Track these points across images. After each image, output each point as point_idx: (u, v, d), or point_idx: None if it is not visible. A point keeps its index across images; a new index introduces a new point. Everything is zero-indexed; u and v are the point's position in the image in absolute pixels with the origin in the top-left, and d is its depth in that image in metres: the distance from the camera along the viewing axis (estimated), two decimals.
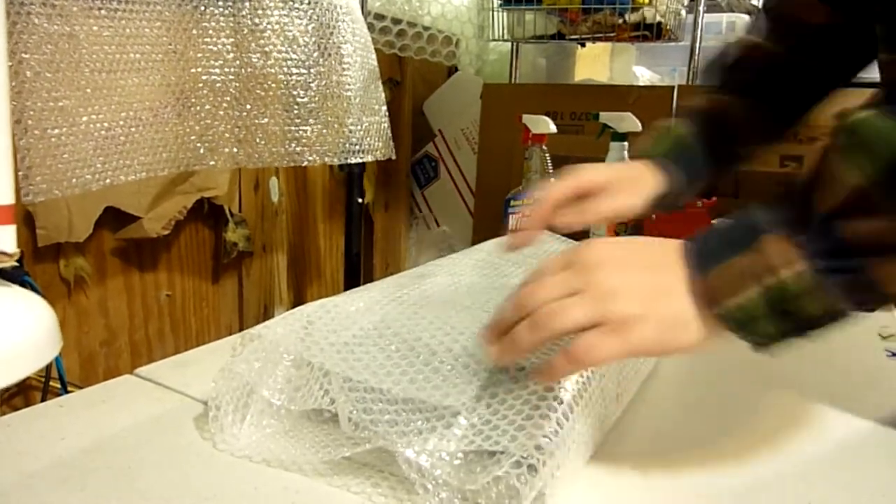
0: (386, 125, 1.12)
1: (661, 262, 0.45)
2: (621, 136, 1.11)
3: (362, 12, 1.12)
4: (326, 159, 1.05)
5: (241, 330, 0.98)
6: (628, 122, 1.13)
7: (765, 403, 0.65)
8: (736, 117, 0.69)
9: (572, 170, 0.62)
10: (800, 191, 0.41)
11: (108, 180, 0.81)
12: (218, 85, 0.93)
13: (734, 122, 0.69)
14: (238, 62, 0.94)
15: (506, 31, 1.57)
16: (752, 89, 0.69)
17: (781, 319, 0.40)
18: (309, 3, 0.97)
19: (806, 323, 0.41)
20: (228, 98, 0.94)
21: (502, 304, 0.48)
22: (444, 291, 0.64)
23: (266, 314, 1.35)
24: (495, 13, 1.56)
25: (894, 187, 0.36)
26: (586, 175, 0.62)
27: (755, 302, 0.40)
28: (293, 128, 1.01)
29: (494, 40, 1.65)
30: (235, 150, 0.97)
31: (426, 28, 1.55)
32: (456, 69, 1.80)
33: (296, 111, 1.00)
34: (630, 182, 0.64)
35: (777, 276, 0.39)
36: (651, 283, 0.44)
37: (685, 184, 0.67)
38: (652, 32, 1.64)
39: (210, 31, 0.90)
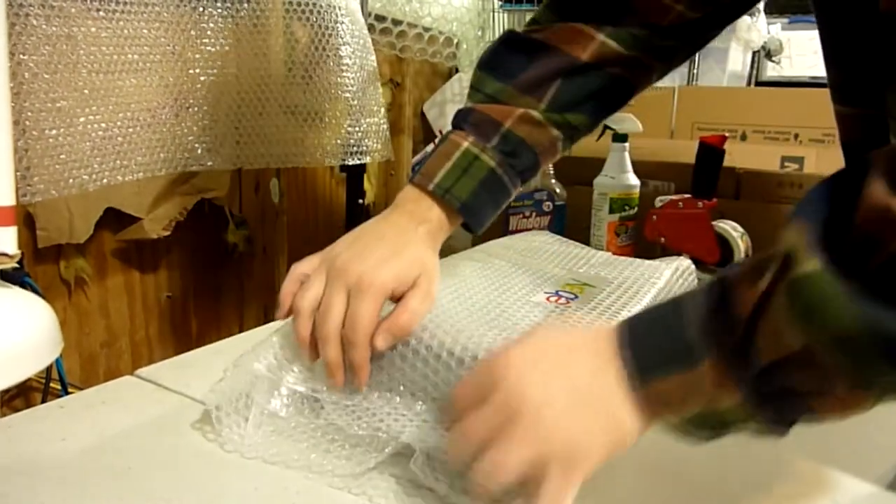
0: (385, 126, 1.12)
1: (589, 368, 0.43)
2: (622, 137, 1.11)
3: (363, 13, 1.12)
4: (325, 160, 1.05)
5: (241, 331, 0.98)
6: (628, 122, 1.13)
7: None
8: (546, 141, 0.63)
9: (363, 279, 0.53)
10: (744, 318, 0.38)
11: (105, 180, 0.81)
12: (217, 86, 0.93)
13: (542, 146, 0.63)
14: (237, 63, 0.94)
15: None
16: (572, 106, 0.63)
17: (719, 431, 0.42)
18: (308, 5, 0.97)
19: (744, 433, 0.42)
20: (227, 99, 0.94)
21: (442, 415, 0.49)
22: (444, 297, 0.64)
23: (266, 315, 1.35)
24: (496, 14, 1.56)
25: (837, 356, 0.35)
26: (380, 295, 0.53)
27: (693, 420, 0.41)
28: (291, 129, 1.01)
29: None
30: (234, 150, 0.97)
31: (427, 29, 1.55)
32: (456, 70, 1.80)
33: (294, 112, 1.00)
34: (417, 278, 0.56)
35: (715, 406, 0.40)
36: (583, 401, 0.42)
37: (487, 219, 0.63)
38: None
39: (208, 33, 0.90)
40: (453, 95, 1.76)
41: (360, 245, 0.57)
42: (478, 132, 0.62)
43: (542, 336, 0.46)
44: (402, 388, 0.54)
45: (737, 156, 1.19)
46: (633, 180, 1.12)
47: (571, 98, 0.63)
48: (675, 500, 0.50)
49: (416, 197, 0.61)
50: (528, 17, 0.67)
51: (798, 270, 0.36)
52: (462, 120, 0.63)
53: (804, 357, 0.36)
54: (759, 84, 2.69)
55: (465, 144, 0.61)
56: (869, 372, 0.36)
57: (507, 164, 0.62)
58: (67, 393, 0.84)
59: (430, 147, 1.72)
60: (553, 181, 1.16)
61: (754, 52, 2.56)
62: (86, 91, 0.77)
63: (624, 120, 1.13)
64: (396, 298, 0.54)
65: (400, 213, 0.60)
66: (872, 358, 0.34)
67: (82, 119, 0.76)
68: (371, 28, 1.21)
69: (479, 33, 1.67)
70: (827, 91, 0.58)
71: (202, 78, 0.90)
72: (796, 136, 1.59)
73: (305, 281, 0.56)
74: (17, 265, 0.61)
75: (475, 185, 0.61)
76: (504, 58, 0.64)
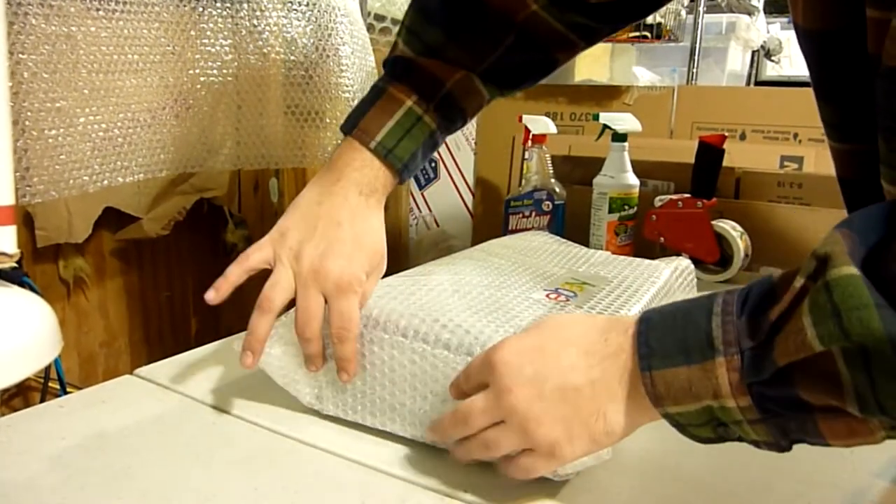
0: None
1: (585, 365, 0.43)
2: (621, 137, 1.11)
3: (362, 13, 1.12)
4: (326, 160, 1.05)
5: (240, 331, 0.98)
6: (628, 122, 1.13)
7: None
8: (475, 105, 0.66)
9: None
10: (771, 318, 0.38)
11: (105, 181, 0.81)
12: (216, 86, 0.93)
13: (471, 110, 0.66)
14: (236, 63, 0.94)
15: None
16: (502, 75, 0.65)
17: (721, 431, 0.41)
18: (307, 5, 0.97)
19: (744, 440, 0.41)
20: (227, 99, 0.94)
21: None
22: (443, 292, 0.64)
23: None
24: None
25: (856, 367, 0.34)
26: (359, 293, 0.57)
27: (697, 414, 0.40)
28: (291, 129, 1.01)
29: None
30: (234, 151, 0.97)
31: None
32: None
33: (294, 112, 1.00)
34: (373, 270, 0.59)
35: (722, 403, 0.39)
36: (572, 404, 0.43)
37: (412, 175, 0.65)
38: (652, 33, 1.65)
39: (208, 33, 0.90)
40: None
41: (319, 236, 0.57)
42: (422, 90, 0.62)
43: (541, 329, 0.47)
44: (398, 382, 0.54)
45: (736, 155, 1.19)
46: (633, 180, 1.12)
47: (503, 67, 0.64)
48: (675, 500, 0.50)
49: (357, 158, 0.60)
50: None
51: (834, 272, 0.35)
52: (403, 73, 0.63)
53: (822, 363, 0.35)
54: (758, 83, 2.69)
55: (409, 103, 0.61)
56: (884, 392, 0.34)
57: (444, 126, 0.63)
58: (66, 392, 0.84)
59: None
60: (553, 181, 1.16)
61: (754, 52, 2.55)
62: (86, 91, 0.76)
63: (623, 119, 1.13)
64: None
65: (347, 184, 0.60)
66: (891, 376, 0.33)
67: (82, 119, 0.76)
68: (370, 28, 1.21)
69: None
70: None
71: (202, 78, 0.90)
72: (796, 135, 1.59)
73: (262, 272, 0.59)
74: (15, 265, 0.61)
75: (416, 146, 0.61)
76: (446, 9, 0.64)
